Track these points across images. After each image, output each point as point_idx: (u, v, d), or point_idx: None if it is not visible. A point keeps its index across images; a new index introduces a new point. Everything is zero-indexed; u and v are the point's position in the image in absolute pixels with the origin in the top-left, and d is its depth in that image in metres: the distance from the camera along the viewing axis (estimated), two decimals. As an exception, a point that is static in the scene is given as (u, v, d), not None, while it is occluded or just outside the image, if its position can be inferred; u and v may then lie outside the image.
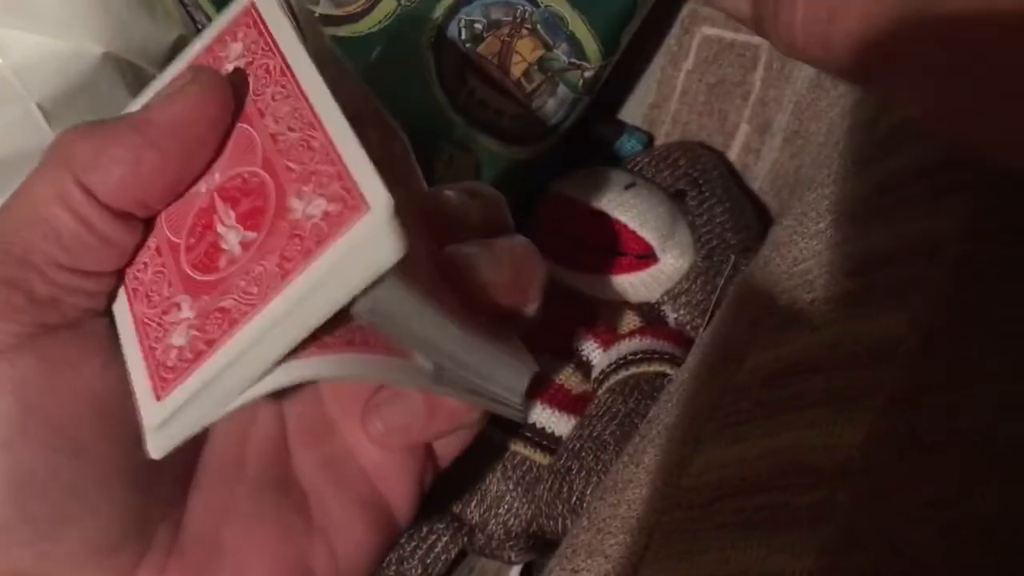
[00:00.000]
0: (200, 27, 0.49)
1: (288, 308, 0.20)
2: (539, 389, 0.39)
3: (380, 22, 0.44)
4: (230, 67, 0.23)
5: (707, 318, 0.42)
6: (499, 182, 0.46)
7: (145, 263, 0.23)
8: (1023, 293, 0.25)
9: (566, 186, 0.45)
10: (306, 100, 0.21)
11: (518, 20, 0.44)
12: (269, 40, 0.23)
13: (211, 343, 0.21)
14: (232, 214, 0.22)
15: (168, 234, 0.23)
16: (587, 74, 0.44)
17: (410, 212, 0.20)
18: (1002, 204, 0.26)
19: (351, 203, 0.19)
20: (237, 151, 0.22)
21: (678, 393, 0.32)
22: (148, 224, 0.23)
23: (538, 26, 0.43)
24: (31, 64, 0.42)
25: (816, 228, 0.31)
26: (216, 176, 0.22)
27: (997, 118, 0.20)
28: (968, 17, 0.19)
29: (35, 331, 0.22)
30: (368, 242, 0.19)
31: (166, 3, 0.48)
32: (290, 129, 0.21)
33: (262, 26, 0.23)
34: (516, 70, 0.44)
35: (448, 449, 0.28)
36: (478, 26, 0.44)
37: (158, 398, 0.21)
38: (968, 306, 0.25)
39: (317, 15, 0.44)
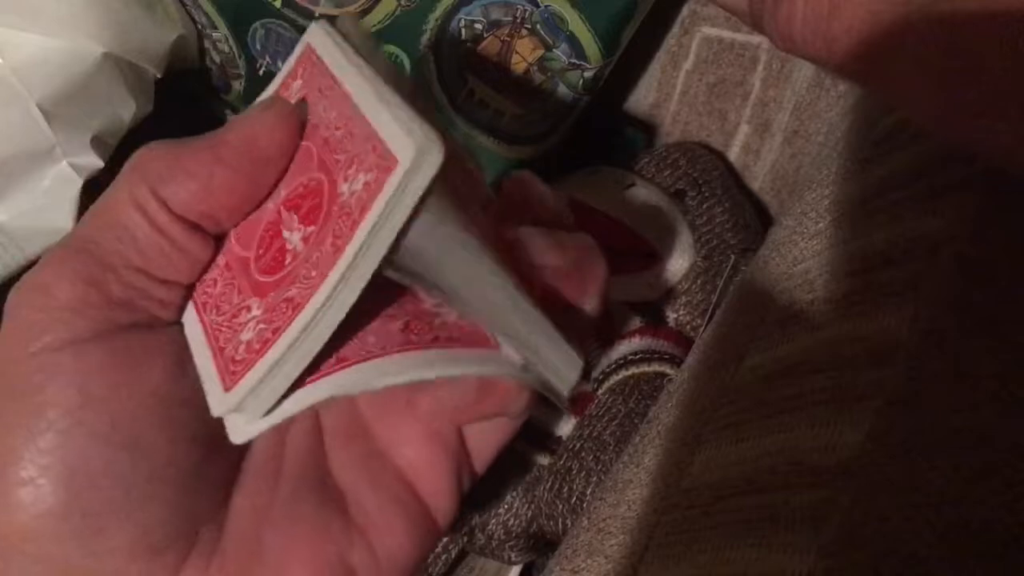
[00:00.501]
0: (200, 27, 0.49)
1: (342, 275, 0.21)
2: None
3: (380, 22, 0.44)
4: (293, 101, 0.25)
5: (707, 318, 0.42)
6: (499, 182, 0.46)
7: (215, 279, 0.24)
8: (1023, 293, 0.25)
9: (566, 186, 0.45)
10: (349, 99, 0.22)
11: (518, 20, 0.44)
12: (322, 66, 0.24)
13: (277, 331, 0.22)
14: (295, 218, 0.23)
15: (238, 250, 0.24)
16: (587, 74, 0.44)
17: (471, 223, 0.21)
18: (1002, 204, 0.26)
19: (384, 165, 0.20)
20: (299, 167, 0.24)
21: (678, 393, 0.32)
22: (218, 243, 0.24)
23: (538, 26, 0.43)
24: (31, 64, 0.42)
25: (816, 228, 0.31)
26: (282, 192, 0.24)
27: (997, 118, 0.20)
28: (970, 17, 0.19)
29: (108, 327, 0.23)
30: (400, 187, 0.20)
31: (166, 3, 0.48)
32: (337, 128, 0.23)
33: (317, 59, 0.25)
34: (516, 70, 0.44)
35: (485, 450, 0.28)
36: (478, 26, 0.44)
37: (227, 389, 0.22)
38: (968, 306, 0.25)
39: (318, 15, 0.44)
